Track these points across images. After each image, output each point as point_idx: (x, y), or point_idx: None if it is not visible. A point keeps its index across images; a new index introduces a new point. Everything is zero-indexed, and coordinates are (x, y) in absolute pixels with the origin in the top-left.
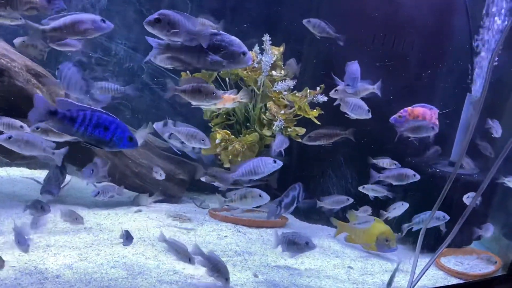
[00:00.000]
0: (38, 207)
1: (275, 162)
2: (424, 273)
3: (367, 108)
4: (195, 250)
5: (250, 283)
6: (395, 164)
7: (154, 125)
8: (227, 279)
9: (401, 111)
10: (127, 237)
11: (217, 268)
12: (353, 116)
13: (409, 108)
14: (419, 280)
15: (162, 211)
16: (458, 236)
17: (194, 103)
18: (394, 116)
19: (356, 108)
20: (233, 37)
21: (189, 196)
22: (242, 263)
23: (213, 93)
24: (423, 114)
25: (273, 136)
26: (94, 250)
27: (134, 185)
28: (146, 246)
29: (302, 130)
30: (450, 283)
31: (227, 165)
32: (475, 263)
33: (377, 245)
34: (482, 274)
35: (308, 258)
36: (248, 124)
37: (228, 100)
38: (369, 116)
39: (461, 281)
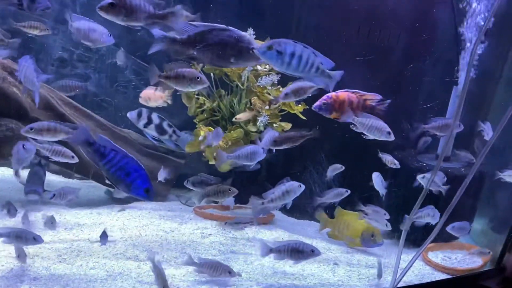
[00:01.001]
0: (6, 209)
1: (263, 152)
2: (408, 269)
3: (387, 130)
4: (188, 261)
5: (233, 281)
6: (395, 164)
7: (128, 114)
8: (230, 272)
9: (324, 97)
10: (102, 236)
11: (215, 268)
12: (370, 136)
13: (333, 93)
14: (404, 275)
15: (147, 209)
16: (445, 231)
17: (178, 89)
18: (317, 103)
19: (373, 129)
20: (243, 33)
21: (175, 193)
22: (226, 262)
23: (197, 78)
24: (349, 99)
25: (258, 132)
26: (73, 251)
27: None
28: (127, 246)
29: (288, 126)
30: (437, 279)
31: (212, 162)
32: (463, 258)
33: (362, 241)
34: (470, 269)
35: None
36: (233, 119)
37: (156, 98)
38: (392, 138)
39: (449, 276)
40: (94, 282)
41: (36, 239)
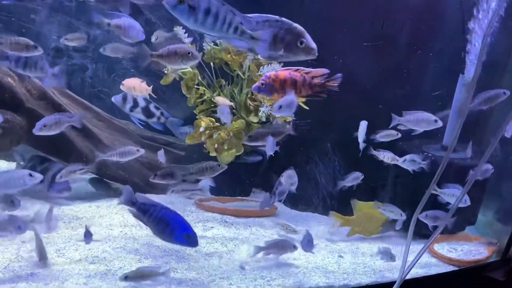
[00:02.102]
0: (8, 202)
1: None
2: (417, 261)
3: (434, 118)
4: (257, 249)
5: (237, 275)
6: (397, 160)
7: (113, 99)
8: (294, 246)
9: (263, 77)
10: (86, 234)
11: (282, 245)
12: (420, 130)
13: (272, 73)
14: (412, 267)
15: None
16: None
17: (171, 67)
18: (255, 85)
19: (420, 122)
20: (294, 24)
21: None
22: (229, 255)
23: (189, 53)
24: (292, 77)
25: (260, 122)
26: (72, 246)
27: (116, 175)
28: (127, 240)
29: (289, 117)
30: (443, 271)
31: (213, 154)
32: (470, 249)
33: (384, 228)
34: (476, 260)
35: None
36: (234, 110)
37: (142, 89)
38: (440, 124)
39: (455, 268)
40: (94, 277)
41: (20, 228)
